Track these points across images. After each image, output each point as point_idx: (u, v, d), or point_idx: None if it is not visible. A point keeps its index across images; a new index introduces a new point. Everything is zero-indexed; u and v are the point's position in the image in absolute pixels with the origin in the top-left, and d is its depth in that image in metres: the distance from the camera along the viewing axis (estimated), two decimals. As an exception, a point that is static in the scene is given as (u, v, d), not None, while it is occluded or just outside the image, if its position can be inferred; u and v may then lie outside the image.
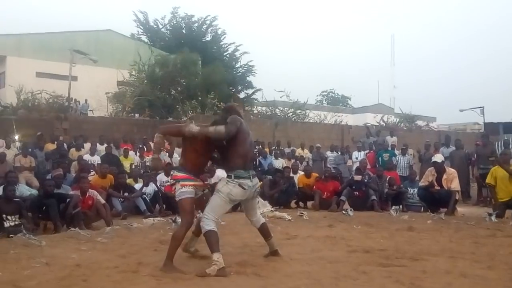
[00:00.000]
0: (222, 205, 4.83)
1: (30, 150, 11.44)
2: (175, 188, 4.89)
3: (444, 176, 9.55)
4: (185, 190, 4.79)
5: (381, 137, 16.65)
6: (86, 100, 23.55)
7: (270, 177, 11.24)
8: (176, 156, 12.43)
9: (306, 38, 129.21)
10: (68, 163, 11.20)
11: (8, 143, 11.80)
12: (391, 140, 16.18)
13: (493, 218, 8.46)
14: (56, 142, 12.57)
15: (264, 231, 5.30)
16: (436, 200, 9.63)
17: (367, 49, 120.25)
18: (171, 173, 5.14)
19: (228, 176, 4.82)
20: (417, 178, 11.25)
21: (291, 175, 11.25)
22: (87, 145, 12.66)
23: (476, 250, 5.85)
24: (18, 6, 78.46)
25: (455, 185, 9.52)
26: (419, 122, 27.68)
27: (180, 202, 4.83)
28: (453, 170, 9.88)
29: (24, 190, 8.68)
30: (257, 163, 13.81)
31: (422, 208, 10.06)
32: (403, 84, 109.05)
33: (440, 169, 9.64)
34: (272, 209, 9.19)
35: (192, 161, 4.94)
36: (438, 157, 9.98)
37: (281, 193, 10.62)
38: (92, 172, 10.44)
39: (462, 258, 5.36)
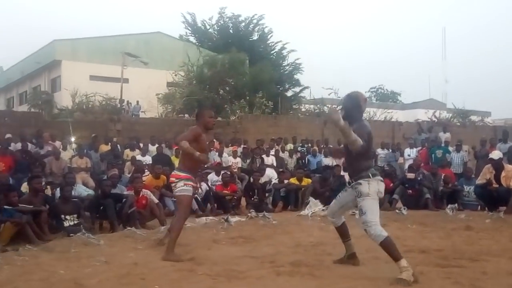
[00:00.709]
0: (376, 205, 4.58)
1: (85, 151, 11.80)
2: (175, 185, 5.42)
3: (503, 174, 9.22)
4: (187, 188, 5.37)
5: (433, 133, 16.25)
6: (137, 102, 24.10)
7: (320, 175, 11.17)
8: (226, 155, 12.56)
9: (354, 33, 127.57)
10: (122, 163, 11.49)
11: (64, 144, 12.20)
12: (444, 136, 15.75)
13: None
14: (110, 143, 12.90)
15: (343, 230, 5.01)
16: (494, 198, 9.31)
17: (417, 43, 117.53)
18: (173, 172, 5.70)
19: (364, 177, 4.56)
20: (473, 175, 10.90)
21: (342, 173, 11.13)
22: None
23: (539, 250, 5.63)
24: (73, 13, 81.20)
25: None
26: (473, 117, 26.79)
27: (180, 197, 5.42)
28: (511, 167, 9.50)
29: (81, 190, 9.00)
30: (306, 162, 13.76)
31: (479, 206, 9.77)
32: (455, 78, 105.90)
33: (497, 166, 9.31)
34: (323, 208, 9.13)
35: (193, 164, 5.47)
36: (495, 154, 9.64)
37: (332, 192, 10.51)
38: (146, 172, 10.66)
39: (525, 259, 5.17)
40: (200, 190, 9.34)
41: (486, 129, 22.84)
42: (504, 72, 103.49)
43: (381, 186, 4.63)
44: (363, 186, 4.53)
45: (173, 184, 5.47)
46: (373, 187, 4.53)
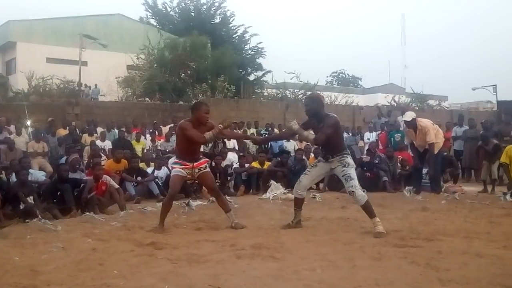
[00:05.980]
0: None
1: (42, 135, 11.46)
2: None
3: (418, 132, 9.43)
4: (175, 170, 6.09)
5: (392, 117, 16.55)
6: (96, 85, 23.54)
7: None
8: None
9: (315, 20, 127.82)
10: (81, 148, 11.24)
11: (19, 129, 11.73)
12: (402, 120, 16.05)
13: (508, 197, 8.44)
14: (68, 128, 12.59)
15: (301, 202, 6.07)
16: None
17: (378, 29, 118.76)
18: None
19: (346, 153, 5.70)
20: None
21: (303, 157, 11.22)
22: (99, 130, 12.67)
23: (492, 230, 5.82)
24: (26, -8, 78.20)
25: (429, 138, 9.28)
26: (431, 102, 27.32)
27: (171, 177, 6.22)
28: (424, 123, 9.54)
29: (38, 175, 8.77)
30: (268, 146, 13.79)
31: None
32: (414, 63, 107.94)
33: (413, 127, 9.46)
34: (285, 191, 9.21)
35: (183, 151, 6.10)
36: (407, 116, 9.68)
37: (293, 175, 10.60)
38: (103, 157, 10.47)
39: (478, 238, 5.34)
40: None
41: (443, 113, 23.34)
42: (462, 56, 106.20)
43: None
44: (348, 159, 5.65)
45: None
46: (352, 161, 5.72)
